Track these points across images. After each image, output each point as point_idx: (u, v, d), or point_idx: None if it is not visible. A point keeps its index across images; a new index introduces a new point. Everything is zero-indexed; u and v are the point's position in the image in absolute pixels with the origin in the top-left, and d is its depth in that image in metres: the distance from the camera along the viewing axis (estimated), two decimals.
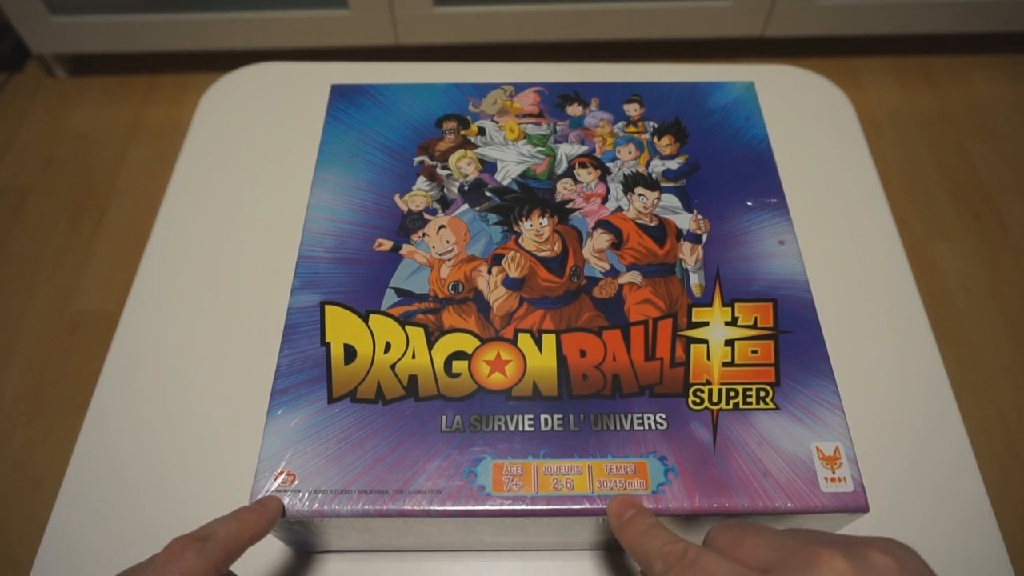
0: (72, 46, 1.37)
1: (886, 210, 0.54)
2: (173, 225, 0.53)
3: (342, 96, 0.49)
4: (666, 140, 0.46)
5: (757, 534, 0.26)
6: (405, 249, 0.41)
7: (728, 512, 0.32)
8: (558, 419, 0.35)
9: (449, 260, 0.41)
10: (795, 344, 0.37)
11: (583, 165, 0.45)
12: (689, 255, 0.41)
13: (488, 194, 0.44)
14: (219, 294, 0.49)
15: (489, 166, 0.45)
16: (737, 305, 0.39)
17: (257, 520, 0.31)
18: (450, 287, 0.39)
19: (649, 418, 0.35)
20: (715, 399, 0.36)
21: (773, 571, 0.24)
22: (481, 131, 0.47)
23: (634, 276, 0.40)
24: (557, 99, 0.49)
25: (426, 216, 0.43)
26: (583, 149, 0.46)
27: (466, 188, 0.44)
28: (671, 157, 0.45)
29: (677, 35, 1.39)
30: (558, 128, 0.47)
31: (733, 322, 0.38)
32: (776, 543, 0.25)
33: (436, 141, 0.46)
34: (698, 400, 0.35)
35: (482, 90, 0.49)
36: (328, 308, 0.39)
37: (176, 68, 1.48)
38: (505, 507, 0.32)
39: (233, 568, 0.35)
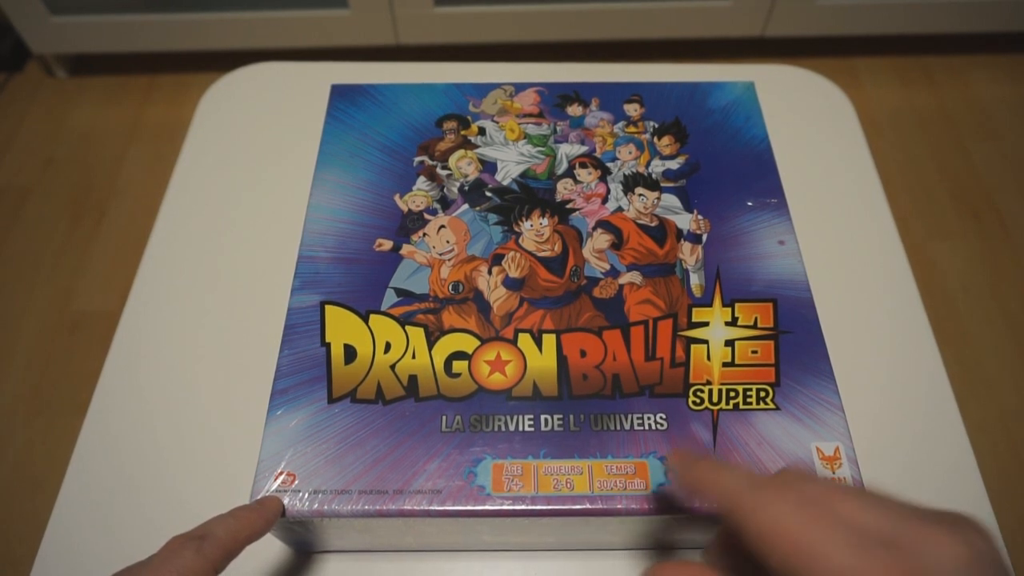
0: (72, 46, 1.37)
1: (886, 210, 0.54)
2: (173, 225, 0.53)
3: (342, 96, 0.49)
4: (666, 140, 0.46)
5: (853, 496, 0.23)
6: (405, 249, 0.41)
7: None
8: (558, 419, 0.35)
9: (449, 260, 0.41)
10: (795, 344, 0.37)
11: (583, 165, 0.45)
12: (689, 255, 0.41)
13: (488, 194, 0.44)
14: (219, 294, 0.49)
15: (489, 166, 0.45)
16: (737, 305, 0.39)
17: (256, 519, 0.31)
18: (450, 287, 0.39)
19: (649, 418, 0.35)
20: (715, 399, 0.36)
21: (895, 544, 0.21)
22: (481, 131, 0.47)
23: (634, 276, 0.40)
24: (557, 99, 0.49)
25: (426, 216, 0.43)
26: (583, 149, 0.46)
27: (466, 188, 0.44)
28: (671, 157, 0.45)
29: (677, 35, 1.39)
30: (558, 128, 0.47)
31: (733, 322, 0.38)
32: (881, 510, 0.22)
33: (436, 141, 0.46)
34: (698, 400, 0.35)
35: (482, 90, 0.49)
36: (328, 308, 0.39)
37: (176, 68, 1.48)
38: (505, 507, 0.32)
39: (232, 568, 0.35)
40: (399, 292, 0.39)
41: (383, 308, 0.39)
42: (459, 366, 0.37)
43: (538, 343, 0.37)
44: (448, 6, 1.31)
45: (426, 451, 0.34)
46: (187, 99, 1.44)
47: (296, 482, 0.33)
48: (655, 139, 0.46)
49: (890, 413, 0.44)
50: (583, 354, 0.37)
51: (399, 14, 1.32)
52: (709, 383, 0.36)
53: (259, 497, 0.33)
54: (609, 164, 0.45)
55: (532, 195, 0.44)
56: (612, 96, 0.49)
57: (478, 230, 0.42)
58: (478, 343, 0.37)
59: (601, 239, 0.41)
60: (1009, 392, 1.08)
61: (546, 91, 0.49)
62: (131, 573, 0.28)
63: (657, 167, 0.45)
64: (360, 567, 0.39)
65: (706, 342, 0.37)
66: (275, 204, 0.54)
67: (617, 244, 0.41)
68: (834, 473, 0.33)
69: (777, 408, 0.35)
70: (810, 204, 0.53)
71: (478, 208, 0.43)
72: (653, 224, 0.42)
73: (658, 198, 0.43)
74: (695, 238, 0.41)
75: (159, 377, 0.46)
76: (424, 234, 0.42)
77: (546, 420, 0.35)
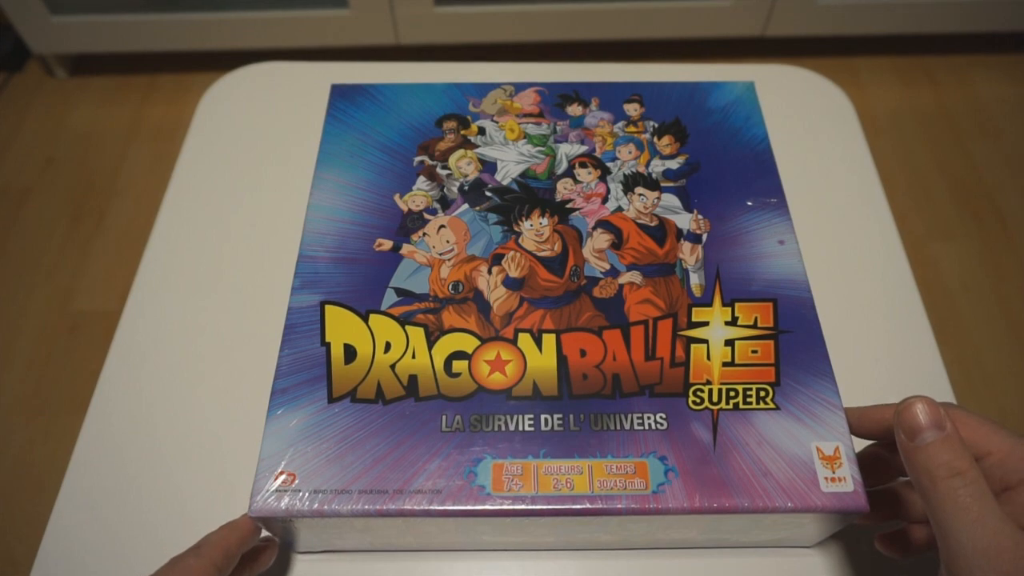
0: (72, 46, 1.37)
1: (886, 210, 0.54)
2: (173, 225, 0.53)
3: (342, 96, 0.49)
4: (666, 140, 0.46)
5: None
6: (405, 249, 0.41)
7: (728, 512, 0.32)
8: (558, 419, 0.35)
9: (449, 260, 0.41)
10: (795, 344, 0.37)
11: (583, 165, 0.45)
12: (689, 255, 0.41)
13: (488, 194, 0.44)
14: (219, 294, 0.49)
15: (489, 166, 0.45)
16: (737, 305, 0.39)
17: (243, 523, 0.34)
18: (450, 287, 0.39)
19: (649, 418, 0.35)
20: (715, 399, 0.36)
21: None
22: (481, 131, 0.47)
23: (634, 276, 0.40)
24: (557, 99, 0.49)
25: (426, 216, 0.43)
26: (583, 149, 0.46)
27: (466, 188, 0.44)
28: (671, 157, 0.45)
29: (677, 35, 1.39)
30: (558, 128, 0.47)
31: (733, 322, 0.38)
32: None
33: (436, 141, 0.46)
34: (698, 400, 0.35)
35: (482, 90, 0.49)
36: (328, 308, 0.39)
37: (176, 68, 1.48)
38: (505, 507, 0.32)
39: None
40: (399, 292, 0.39)
41: (383, 308, 0.39)
42: (459, 366, 0.37)
43: (538, 343, 0.37)
44: (448, 6, 1.31)
45: (426, 451, 0.34)
46: (187, 99, 1.44)
47: (296, 482, 0.33)
48: (655, 139, 0.46)
49: None
50: (583, 354, 0.37)
51: (399, 14, 1.32)
52: (709, 383, 0.36)
53: (259, 496, 0.33)
54: (609, 164, 0.45)
55: (532, 195, 0.44)
56: (612, 96, 0.49)
57: (478, 230, 0.42)
58: (478, 343, 0.37)
59: (601, 239, 0.41)
60: (1009, 392, 1.08)
61: (546, 91, 0.49)
62: None
63: (657, 167, 0.45)
64: (360, 567, 0.39)
65: (706, 342, 0.37)
66: (275, 204, 0.54)
67: (617, 244, 0.41)
68: (834, 473, 0.33)
69: (777, 408, 0.35)
70: (810, 204, 0.53)
71: (478, 208, 0.43)
72: (653, 224, 0.42)
73: (658, 198, 0.43)
74: (695, 238, 0.41)
75: (159, 377, 0.46)
76: (424, 234, 0.42)
77: (546, 420, 0.35)
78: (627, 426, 0.35)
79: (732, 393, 0.36)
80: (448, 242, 0.41)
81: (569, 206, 0.43)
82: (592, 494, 0.33)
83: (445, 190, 0.44)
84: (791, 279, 0.40)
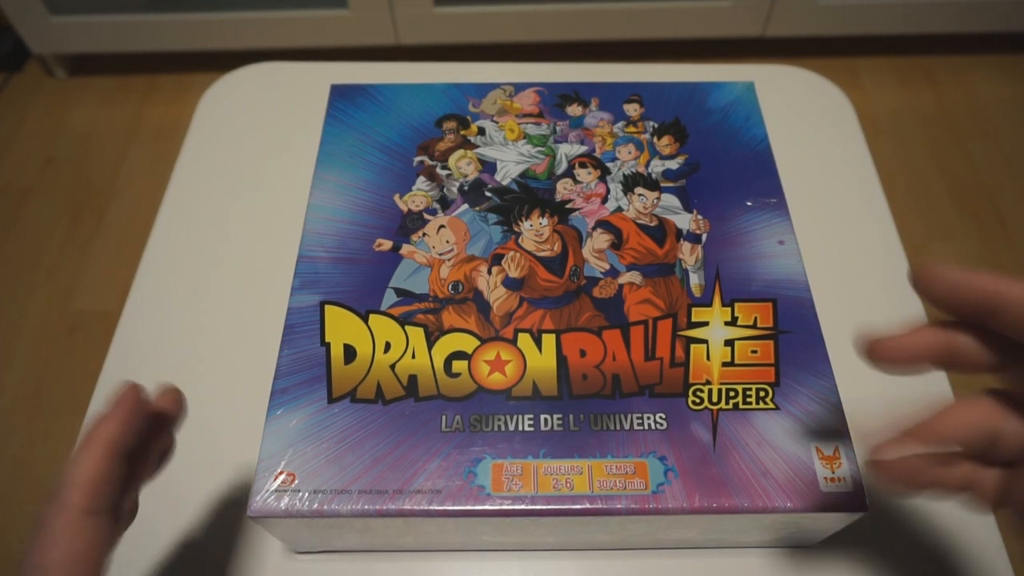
0: (72, 46, 1.37)
1: (886, 210, 0.54)
2: (173, 225, 0.53)
3: (342, 96, 0.49)
4: (666, 140, 0.46)
5: None
6: (405, 249, 0.41)
7: (728, 512, 0.32)
8: (558, 419, 0.35)
9: (449, 260, 0.41)
10: (795, 344, 0.37)
11: (583, 165, 0.45)
12: (689, 255, 0.41)
13: (488, 194, 0.44)
14: (219, 294, 0.49)
15: (489, 166, 0.45)
16: (737, 305, 0.39)
17: (117, 415, 0.28)
18: (450, 287, 0.39)
19: (649, 418, 0.35)
20: (715, 399, 0.36)
21: None
22: (481, 131, 0.47)
23: (634, 276, 0.40)
24: (557, 99, 0.49)
25: (426, 216, 0.43)
26: (583, 149, 0.46)
27: (466, 188, 0.44)
28: (671, 157, 0.45)
29: (677, 35, 1.39)
30: (558, 128, 0.47)
31: (733, 322, 0.38)
32: None
33: (436, 141, 0.46)
34: (698, 400, 0.35)
35: (482, 90, 0.49)
36: (328, 308, 0.39)
37: (176, 68, 1.48)
38: (505, 507, 0.32)
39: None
40: (399, 292, 0.39)
41: (383, 308, 0.39)
42: (459, 366, 0.37)
43: (538, 343, 0.37)
44: (448, 6, 1.31)
45: (426, 451, 0.34)
46: (187, 99, 1.44)
47: (296, 482, 0.33)
48: (655, 139, 0.46)
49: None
50: (583, 354, 0.37)
51: (399, 14, 1.32)
52: (709, 383, 0.36)
53: (259, 496, 0.33)
54: (609, 164, 0.45)
55: (532, 195, 0.44)
56: (612, 96, 0.49)
57: (478, 230, 0.42)
58: (478, 343, 0.37)
59: (601, 239, 0.41)
60: None
61: (546, 91, 0.49)
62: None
63: (657, 167, 0.45)
64: (360, 567, 0.39)
65: (706, 342, 0.37)
66: (275, 204, 0.54)
67: (617, 244, 0.41)
68: (834, 473, 0.33)
69: (777, 408, 0.35)
70: (810, 204, 0.53)
71: (478, 208, 0.43)
72: (653, 224, 0.42)
73: (658, 198, 0.43)
74: (695, 238, 0.41)
75: (159, 377, 0.46)
76: (424, 234, 0.42)
77: (546, 420, 0.35)
78: (627, 426, 0.35)
79: (732, 393, 0.36)
80: (448, 242, 0.41)
81: (569, 206, 0.43)
82: (592, 494, 0.33)
83: (445, 190, 0.44)
84: (791, 279, 0.40)
